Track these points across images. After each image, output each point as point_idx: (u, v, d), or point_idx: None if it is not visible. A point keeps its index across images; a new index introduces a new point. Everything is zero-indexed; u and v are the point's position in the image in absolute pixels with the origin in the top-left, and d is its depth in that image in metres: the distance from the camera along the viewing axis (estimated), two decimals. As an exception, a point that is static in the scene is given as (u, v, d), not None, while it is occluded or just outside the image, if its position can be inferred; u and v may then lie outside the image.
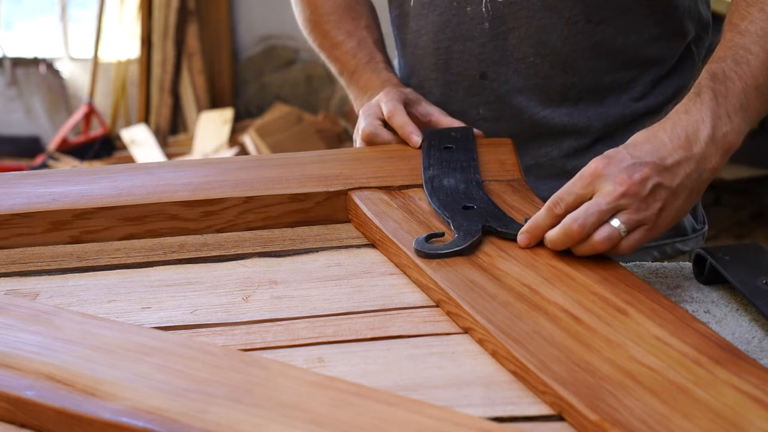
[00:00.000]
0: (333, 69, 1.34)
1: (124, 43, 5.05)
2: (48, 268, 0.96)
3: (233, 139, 4.60)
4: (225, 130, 4.64)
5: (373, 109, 1.18)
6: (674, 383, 0.67)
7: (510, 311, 0.78)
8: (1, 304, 0.81)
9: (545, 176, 1.21)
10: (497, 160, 1.10)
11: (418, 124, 1.16)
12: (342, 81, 1.33)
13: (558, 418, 0.67)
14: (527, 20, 1.17)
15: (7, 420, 0.68)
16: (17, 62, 5.19)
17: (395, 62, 1.37)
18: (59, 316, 0.78)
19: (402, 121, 1.14)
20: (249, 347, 0.78)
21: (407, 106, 1.17)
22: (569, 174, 1.21)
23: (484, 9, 1.19)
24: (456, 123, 1.17)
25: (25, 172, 1.15)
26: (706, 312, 0.86)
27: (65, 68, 5.29)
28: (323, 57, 1.35)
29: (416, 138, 1.12)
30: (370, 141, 1.16)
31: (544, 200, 1.00)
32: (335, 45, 1.31)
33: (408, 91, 1.21)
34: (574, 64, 1.18)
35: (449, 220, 0.94)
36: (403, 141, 1.15)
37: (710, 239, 3.09)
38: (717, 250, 0.92)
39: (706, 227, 1.32)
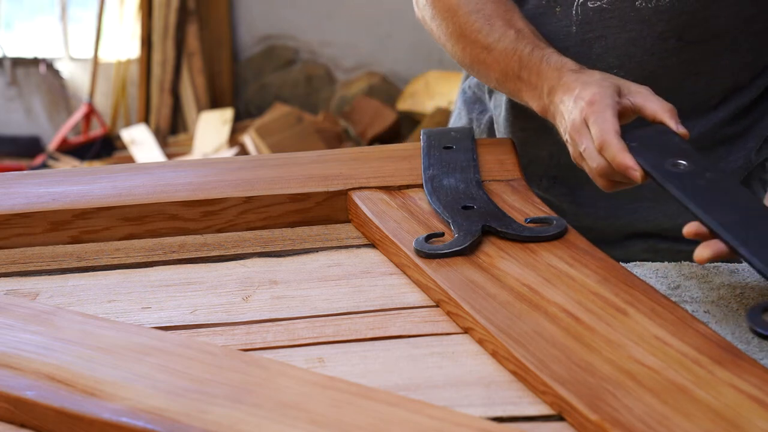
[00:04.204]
0: (491, 80, 1.12)
1: (124, 43, 5.05)
2: (48, 268, 0.96)
3: (233, 139, 4.60)
4: (225, 130, 4.64)
5: (583, 132, 0.95)
6: (674, 383, 0.67)
7: (510, 311, 0.78)
8: (2, 304, 0.81)
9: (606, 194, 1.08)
10: (497, 160, 1.10)
11: (626, 117, 0.96)
12: (507, 90, 1.11)
13: (558, 418, 0.67)
14: (617, 30, 1.11)
15: (7, 420, 0.68)
16: (17, 62, 5.19)
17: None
18: (59, 316, 0.78)
19: (612, 154, 0.91)
20: (249, 347, 0.78)
21: (618, 104, 0.95)
22: (631, 196, 1.14)
23: (574, 12, 1.12)
24: (663, 104, 0.95)
25: (25, 172, 1.15)
26: (705, 312, 0.86)
27: (65, 68, 5.29)
28: (476, 72, 1.15)
29: (636, 174, 0.90)
30: (606, 177, 0.95)
31: (605, 220, 0.93)
32: (488, 48, 1.10)
33: (601, 78, 0.98)
34: (658, 80, 1.09)
35: (449, 220, 0.94)
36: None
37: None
38: (623, 137, 0.90)
39: None
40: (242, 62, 5.14)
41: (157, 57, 4.95)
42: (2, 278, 0.94)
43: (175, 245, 1.00)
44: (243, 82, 5.16)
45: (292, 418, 0.64)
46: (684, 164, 0.88)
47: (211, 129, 4.67)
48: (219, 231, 1.03)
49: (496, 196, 1.00)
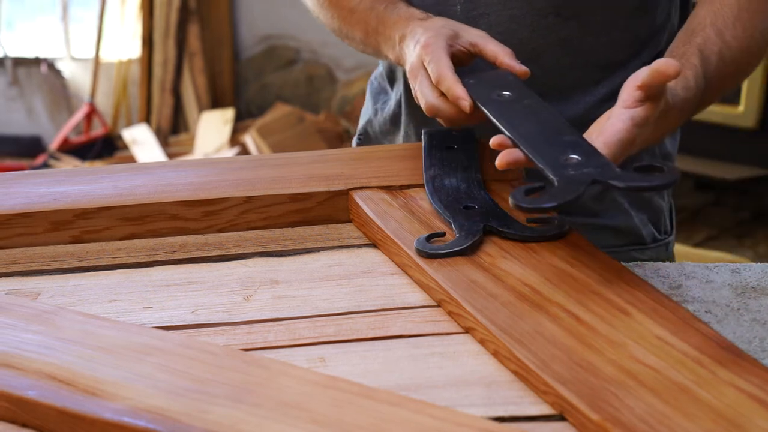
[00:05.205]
0: (357, 41, 1.21)
1: (125, 42, 5.05)
2: (49, 267, 0.96)
3: (234, 139, 4.60)
4: (226, 130, 4.64)
5: (419, 72, 1.04)
6: (676, 383, 0.67)
7: (511, 311, 0.78)
8: (3, 303, 0.81)
9: None
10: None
11: (466, 58, 1.06)
12: (371, 48, 1.19)
13: (559, 418, 0.67)
14: (498, 7, 1.16)
15: (8, 420, 0.68)
16: (19, 62, 5.19)
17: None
18: (60, 316, 0.78)
19: (447, 86, 1.01)
20: (250, 347, 0.78)
21: (451, 46, 1.04)
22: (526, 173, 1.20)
23: None
24: (503, 47, 1.05)
25: (26, 171, 1.15)
26: (707, 312, 0.86)
27: (67, 68, 5.29)
28: (344, 35, 1.24)
29: (464, 103, 0.99)
30: (435, 115, 1.05)
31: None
32: (351, 10, 1.20)
33: (441, 25, 1.07)
34: (540, 57, 1.16)
35: (450, 220, 0.94)
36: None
37: (711, 239, 3.09)
38: (464, 75, 1.00)
39: (671, 237, 1.30)
40: (243, 62, 5.14)
41: (158, 57, 4.95)
42: (4, 278, 0.94)
43: (176, 245, 1.00)
44: (244, 82, 5.16)
45: (293, 417, 0.64)
46: (508, 94, 0.99)
47: (212, 129, 4.67)
48: (220, 231, 1.03)
49: (497, 195, 1.00)
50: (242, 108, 5.10)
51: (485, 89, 1.00)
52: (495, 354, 0.75)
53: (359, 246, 0.98)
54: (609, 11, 1.16)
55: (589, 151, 0.85)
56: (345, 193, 1.04)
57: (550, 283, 0.83)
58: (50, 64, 5.20)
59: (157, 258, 0.97)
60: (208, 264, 0.95)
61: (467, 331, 0.80)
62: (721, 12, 1.06)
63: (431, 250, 0.89)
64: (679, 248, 2.84)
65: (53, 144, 4.89)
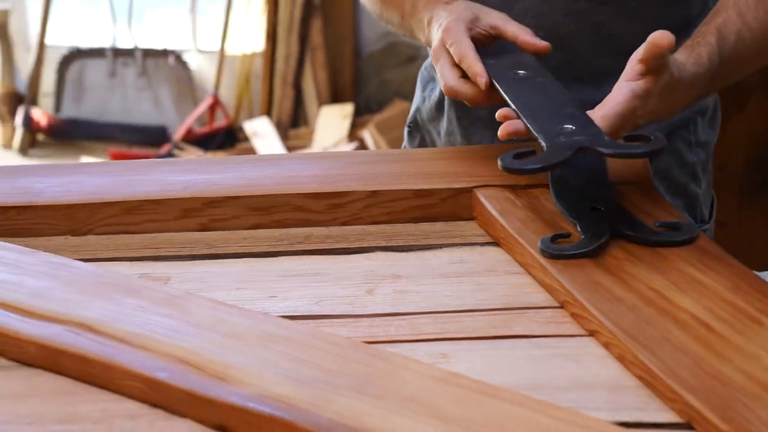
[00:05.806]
0: (396, 24, 1.27)
1: (249, 36, 5.15)
2: (178, 254, 0.98)
3: (353, 134, 4.64)
4: (345, 125, 4.68)
5: (441, 55, 1.09)
6: (813, 398, 0.65)
7: (637, 315, 0.77)
8: (136, 286, 0.83)
9: None
10: (625, 162, 1.07)
11: (487, 41, 1.10)
12: (407, 31, 1.24)
13: (687, 426, 0.66)
14: None
15: (140, 399, 0.70)
16: (148, 53, 5.35)
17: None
18: (190, 301, 0.80)
19: (468, 64, 1.05)
20: (372, 340, 0.78)
21: (471, 30, 1.09)
22: None
23: None
24: (522, 27, 1.09)
25: (156, 159, 1.19)
26: (844, 325, 0.83)
27: (193, 60, 5.42)
28: (386, 20, 1.30)
29: (481, 80, 1.04)
30: (454, 96, 1.09)
31: None
32: None
33: (463, 8, 1.11)
34: (572, 42, 1.16)
35: (576, 222, 0.93)
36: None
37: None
38: (485, 56, 1.05)
39: (709, 225, 1.28)
40: (364, 58, 5.18)
41: (281, 51, 5.03)
42: (135, 262, 0.97)
43: (300, 236, 1.01)
44: (364, 78, 5.20)
45: (415, 412, 0.64)
46: (523, 72, 1.04)
47: (331, 123, 4.72)
48: (343, 224, 1.04)
49: (624, 198, 0.98)
50: (361, 103, 5.14)
51: (503, 69, 1.05)
52: (620, 358, 0.74)
53: (482, 244, 0.98)
54: None
55: (584, 122, 0.92)
56: (468, 191, 1.03)
57: (678, 288, 0.81)
58: (177, 56, 5.34)
59: (281, 248, 0.99)
60: (332, 256, 0.96)
61: (591, 333, 0.78)
62: None
63: (555, 250, 0.88)
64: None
65: (177, 134, 5.03)
